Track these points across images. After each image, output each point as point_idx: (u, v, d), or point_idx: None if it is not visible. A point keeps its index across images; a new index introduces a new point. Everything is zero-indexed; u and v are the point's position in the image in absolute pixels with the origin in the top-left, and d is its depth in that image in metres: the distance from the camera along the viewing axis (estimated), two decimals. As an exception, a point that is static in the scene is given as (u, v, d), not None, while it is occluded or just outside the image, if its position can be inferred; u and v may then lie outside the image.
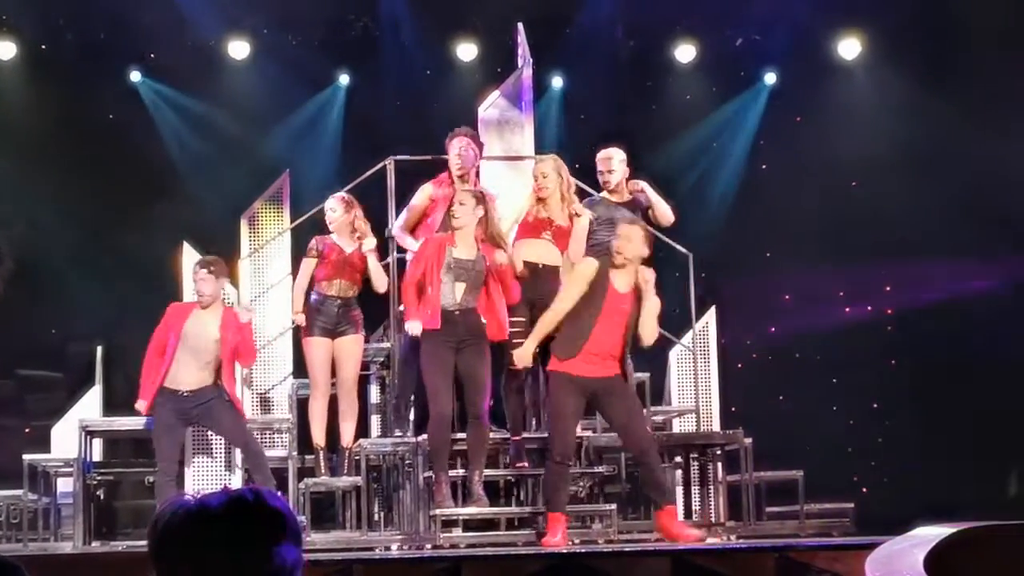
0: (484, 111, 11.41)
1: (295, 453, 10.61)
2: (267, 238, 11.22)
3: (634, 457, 9.71)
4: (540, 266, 9.57)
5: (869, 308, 15.02)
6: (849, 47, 15.08)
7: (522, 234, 9.76)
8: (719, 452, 10.68)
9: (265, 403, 11.09)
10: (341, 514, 10.65)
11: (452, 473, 9.54)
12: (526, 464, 9.83)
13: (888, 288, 14.99)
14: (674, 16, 14.90)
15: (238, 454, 10.43)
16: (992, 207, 14.09)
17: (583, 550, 8.67)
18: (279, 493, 2.67)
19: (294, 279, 10.92)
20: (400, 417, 10.23)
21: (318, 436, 10.30)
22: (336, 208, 10.38)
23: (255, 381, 11.05)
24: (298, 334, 10.63)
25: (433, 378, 9.23)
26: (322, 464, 10.22)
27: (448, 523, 9.51)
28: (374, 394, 11.00)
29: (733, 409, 12.10)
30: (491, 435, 9.62)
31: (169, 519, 2.57)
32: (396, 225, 10.32)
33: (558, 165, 9.89)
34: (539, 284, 9.55)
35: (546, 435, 10.05)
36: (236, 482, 10.34)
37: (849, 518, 10.80)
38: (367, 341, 10.72)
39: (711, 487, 10.76)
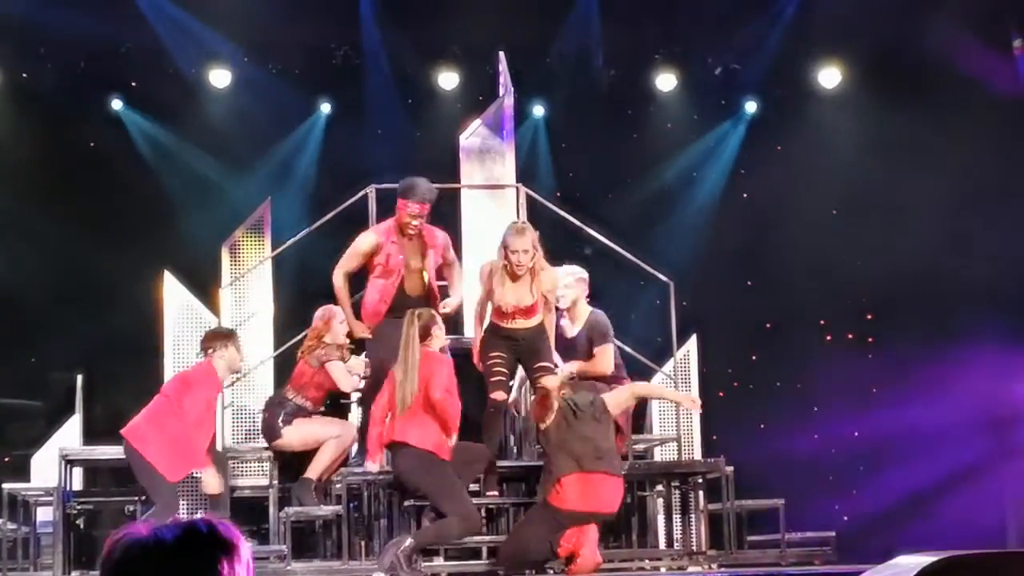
0: (466, 139, 11.42)
1: (276, 482, 10.58)
2: (248, 266, 11.20)
3: None
4: (518, 330, 9.55)
5: (850, 336, 15.04)
6: (829, 76, 15.15)
7: (492, 315, 9.68)
8: (700, 481, 10.66)
9: (246, 432, 11.05)
10: (322, 543, 10.62)
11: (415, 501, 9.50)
12: (496, 493, 9.79)
13: (869, 316, 15.01)
14: (654, 45, 14.95)
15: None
16: (973, 234, 14.15)
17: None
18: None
19: (275, 308, 10.97)
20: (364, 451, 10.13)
21: (320, 472, 10.28)
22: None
23: (236, 409, 11.02)
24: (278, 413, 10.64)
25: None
26: (312, 495, 10.20)
27: (429, 552, 9.48)
28: (356, 417, 10.95)
29: (714, 437, 12.10)
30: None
31: (124, 552, 2.55)
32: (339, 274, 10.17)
33: (533, 237, 9.41)
34: (517, 339, 9.53)
35: (527, 463, 10.06)
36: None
37: (830, 547, 10.78)
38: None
39: (692, 516, 10.74)
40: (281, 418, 10.31)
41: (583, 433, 9.03)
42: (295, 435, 10.33)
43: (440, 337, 9.33)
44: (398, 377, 9.16)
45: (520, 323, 9.46)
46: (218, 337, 10.00)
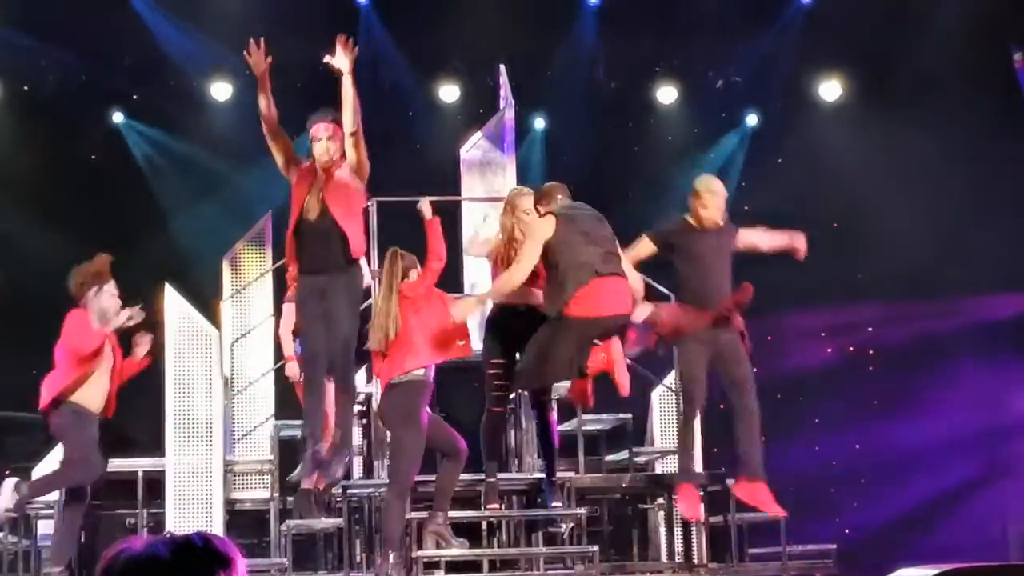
0: (466, 152, 11.43)
1: (277, 495, 10.58)
2: (249, 279, 11.20)
3: None
4: (521, 307, 9.52)
5: (851, 348, 15.04)
6: (830, 89, 15.16)
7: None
8: (702, 493, 10.65)
9: (247, 444, 11.05)
10: (323, 556, 10.61)
11: (416, 514, 9.48)
12: (497, 507, 9.77)
13: (870, 328, 15.02)
14: (655, 57, 14.97)
15: (217, 501, 10.35)
16: (973, 245, 14.15)
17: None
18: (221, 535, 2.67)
19: (276, 320, 10.90)
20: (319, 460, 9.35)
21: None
22: None
23: (237, 421, 11.02)
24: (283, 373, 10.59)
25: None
26: (313, 507, 10.15)
27: (430, 565, 9.48)
28: (355, 436, 10.94)
29: (715, 450, 12.09)
30: (467, 476, 9.60)
31: (121, 568, 2.56)
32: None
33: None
34: (522, 324, 9.50)
35: (528, 477, 10.04)
36: (217, 520, 10.29)
37: (831, 559, 10.76)
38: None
39: (693, 528, 10.73)
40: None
41: (586, 232, 8.87)
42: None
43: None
44: (378, 317, 9.08)
45: (523, 287, 9.40)
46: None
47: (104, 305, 9.58)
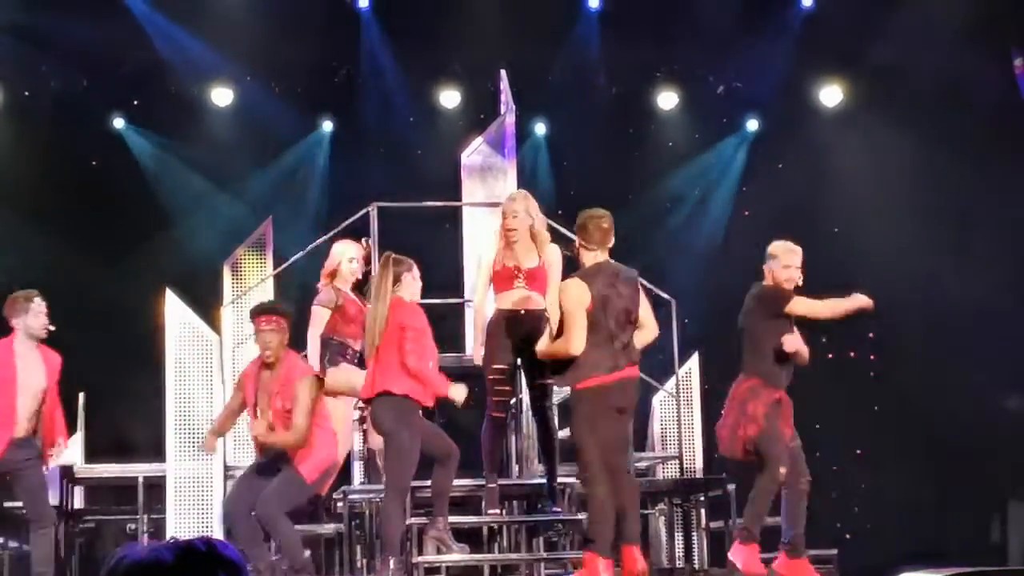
0: (467, 157, 11.43)
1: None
2: (250, 284, 11.20)
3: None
4: (522, 312, 9.49)
5: (852, 354, 15.03)
6: (830, 94, 15.17)
7: (496, 287, 9.64)
8: (703, 498, 10.65)
9: (248, 449, 11.03)
10: (323, 561, 10.60)
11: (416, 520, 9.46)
12: (498, 511, 9.74)
13: (871, 334, 15.01)
14: (656, 63, 14.97)
15: (217, 507, 10.34)
16: (974, 250, 14.15)
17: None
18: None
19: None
20: None
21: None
22: (356, 259, 10.20)
23: (239, 427, 11.00)
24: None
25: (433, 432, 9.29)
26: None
27: (431, 570, 9.47)
28: (356, 442, 10.95)
29: (716, 455, 12.08)
30: (468, 481, 9.59)
31: (124, 573, 2.56)
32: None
33: (528, 204, 9.46)
34: (523, 329, 9.50)
35: (522, 481, 10.03)
36: (218, 525, 10.29)
37: (833, 564, 10.76)
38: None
39: (695, 533, 10.73)
40: (327, 359, 10.12)
41: (612, 318, 8.54)
42: (340, 376, 10.00)
43: (411, 286, 9.17)
44: (368, 321, 9.08)
45: (524, 292, 9.35)
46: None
47: (29, 322, 9.60)
